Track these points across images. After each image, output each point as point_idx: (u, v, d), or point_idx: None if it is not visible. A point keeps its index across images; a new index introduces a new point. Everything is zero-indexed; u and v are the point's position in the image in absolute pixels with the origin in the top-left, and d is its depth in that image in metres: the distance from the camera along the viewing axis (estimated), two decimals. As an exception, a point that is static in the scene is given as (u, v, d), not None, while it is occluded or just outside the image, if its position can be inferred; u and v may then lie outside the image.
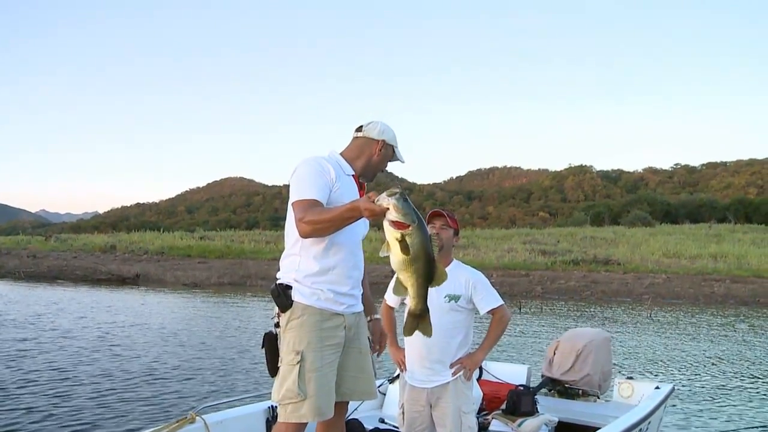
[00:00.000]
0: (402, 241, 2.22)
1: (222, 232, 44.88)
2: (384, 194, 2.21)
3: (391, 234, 2.22)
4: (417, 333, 3.12)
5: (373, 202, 2.24)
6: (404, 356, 3.36)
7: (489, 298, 3.24)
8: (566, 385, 4.56)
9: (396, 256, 2.26)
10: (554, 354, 4.60)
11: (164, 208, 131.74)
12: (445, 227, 3.26)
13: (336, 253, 2.60)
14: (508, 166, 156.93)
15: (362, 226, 2.70)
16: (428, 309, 2.41)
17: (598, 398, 4.65)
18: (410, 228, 2.20)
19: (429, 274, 2.31)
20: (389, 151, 2.80)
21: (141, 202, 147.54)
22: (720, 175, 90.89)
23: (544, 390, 4.55)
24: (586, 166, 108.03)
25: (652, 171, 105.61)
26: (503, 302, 3.28)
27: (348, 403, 2.86)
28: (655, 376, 8.05)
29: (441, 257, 3.25)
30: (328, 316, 2.59)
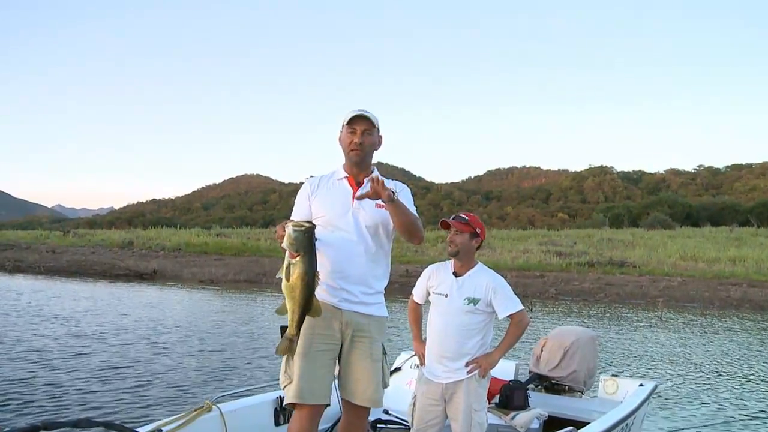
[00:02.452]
0: (287, 268, 2.55)
1: (238, 229, 45.60)
2: (291, 223, 2.56)
3: (285, 259, 2.57)
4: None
5: (284, 228, 2.57)
6: (425, 351, 3.56)
7: (507, 303, 3.38)
8: (553, 381, 4.84)
9: (282, 281, 2.58)
10: (541, 351, 4.89)
11: (180, 204, 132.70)
12: (457, 233, 3.43)
13: (324, 253, 2.81)
14: (528, 166, 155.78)
15: (352, 222, 2.88)
16: (299, 334, 2.68)
17: (583, 394, 4.92)
18: (297, 258, 2.53)
19: (305, 305, 2.59)
20: (345, 129, 2.97)
21: (156, 198, 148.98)
22: (745, 177, 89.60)
23: (531, 385, 4.77)
24: (606, 167, 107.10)
25: (674, 172, 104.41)
26: (523, 307, 3.42)
27: (369, 408, 2.99)
28: (646, 373, 8.38)
29: (459, 261, 3.45)
30: (322, 306, 2.76)
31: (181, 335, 10.45)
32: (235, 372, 7.81)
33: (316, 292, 2.69)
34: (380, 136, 3.02)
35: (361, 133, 2.92)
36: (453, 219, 3.50)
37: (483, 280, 3.41)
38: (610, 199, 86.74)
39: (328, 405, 2.90)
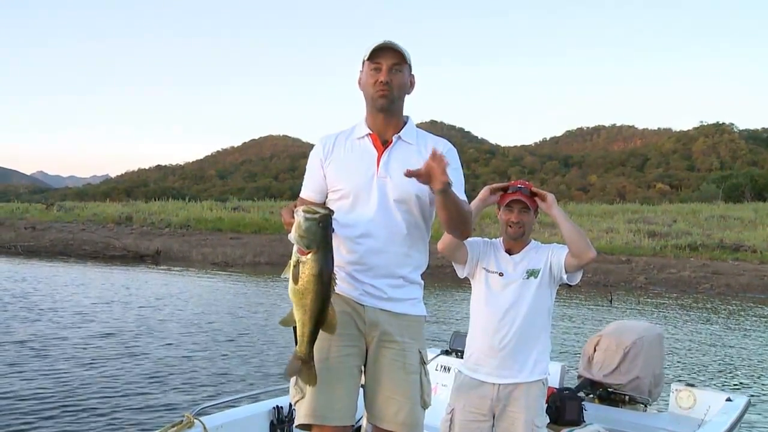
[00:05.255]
0: (296, 267, 2.41)
1: (260, 202, 46.32)
2: (301, 208, 2.39)
3: (292, 255, 2.45)
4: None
5: (291, 213, 2.43)
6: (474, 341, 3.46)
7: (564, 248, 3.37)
8: (609, 389, 4.85)
9: (289, 283, 2.45)
10: (594, 351, 4.89)
11: (190, 171, 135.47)
12: (525, 211, 3.39)
13: (341, 237, 2.68)
14: (618, 124, 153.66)
15: (376, 196, 2.70)
16: (313, 355, 2.52)
17: (647, 406, 4.91)
18: (308, 255, 2.38)
19: (319, 315, 2.44)
20: (366, 66, 2.76)
21: (162, 164, 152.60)
22: None
23: (581, 394, 4.73)
24: (723, 124, 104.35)
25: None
26: None
27: None
28: (734, 386, 8.28)
29: (521, 241, 3.45)
30: (339, 300, 2.64)
31: (177, 330, 10.68)
32: (228, 376, 7.92)
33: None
34: (412, 76, 2.80)
35: (388, 69, 2.68)
36: (518, 190, 3.42)
37: (541, 250, 3.44)
38: (727, 166, 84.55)
39: (353, 426, 2.73)
